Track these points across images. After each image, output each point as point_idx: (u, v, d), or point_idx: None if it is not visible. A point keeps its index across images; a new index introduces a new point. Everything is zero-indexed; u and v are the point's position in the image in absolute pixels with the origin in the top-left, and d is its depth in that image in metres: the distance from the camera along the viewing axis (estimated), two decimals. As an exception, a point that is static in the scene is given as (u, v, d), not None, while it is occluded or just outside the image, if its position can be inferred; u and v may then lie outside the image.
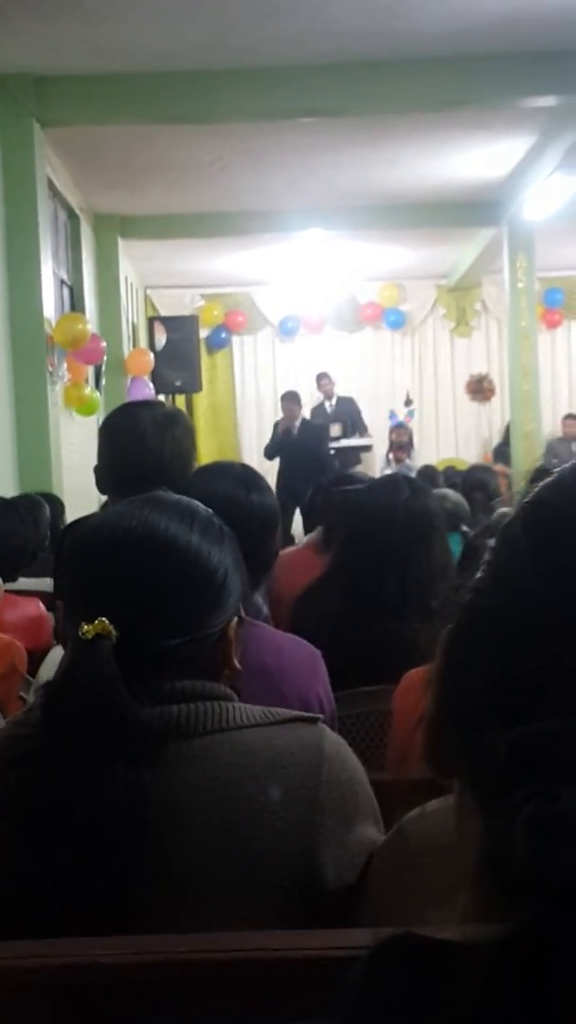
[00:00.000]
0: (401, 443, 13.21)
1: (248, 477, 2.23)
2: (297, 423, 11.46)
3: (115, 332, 10.94)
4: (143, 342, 12.67)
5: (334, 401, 13.10)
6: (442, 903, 0.62)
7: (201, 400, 14.71)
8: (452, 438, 15.55)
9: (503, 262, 11.53)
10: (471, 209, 11.08)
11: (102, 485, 2.80)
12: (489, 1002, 0.51)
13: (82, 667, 1.24)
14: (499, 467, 11.09)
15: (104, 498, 3.04)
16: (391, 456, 13.11)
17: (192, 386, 11.72)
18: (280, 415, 11.69)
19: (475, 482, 6.50)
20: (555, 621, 0.57)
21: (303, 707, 1.83)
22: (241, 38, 6.71)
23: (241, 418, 15.52)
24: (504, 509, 0.68)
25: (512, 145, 9.23)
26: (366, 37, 6.79)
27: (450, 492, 5.55)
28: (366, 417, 13.18)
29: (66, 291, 9.70)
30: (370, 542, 2.61)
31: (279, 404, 15.03)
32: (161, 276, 14.05)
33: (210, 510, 1.44)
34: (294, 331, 15.30)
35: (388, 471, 11.19)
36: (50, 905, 1.21)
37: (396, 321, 15.23)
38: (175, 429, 2.75)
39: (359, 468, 10.56)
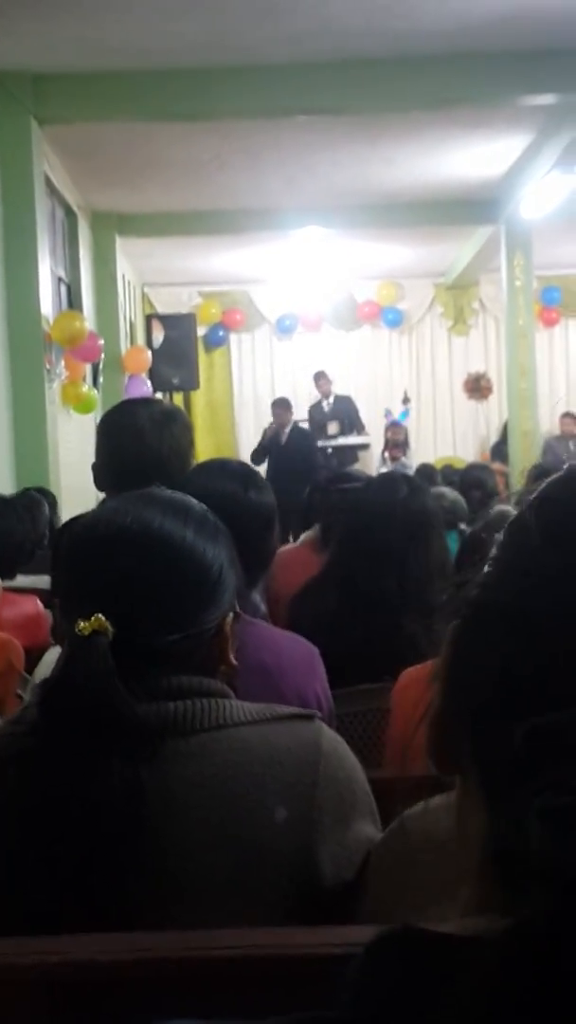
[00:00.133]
0: (397, 441, 13.19)
1: (246, 474, 2.23)
2: (287, 429, 11.48)
3: (112, 330, 10.94)
4: (140, 340, 12.67)
5: (332, 399, 13.10)
6: (443, 899, 0.62)
7: (199, 398, 14.69)
8: (450, 436, 15.55)
9: (501, 260, 11.53)
10: (469, 207, 11.08)
11: (100, 482, 2.80)
12: (499, 994, 0.51)
13: (79, 664, 1.24)
14: (497, 465, 11.08)
15: (102, 495, 3.04)
16: (387, 455, 13.10)
17: (190, 384, 11.71)
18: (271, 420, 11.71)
19: (473, 480, 6.51)
20: (570, 613, 0.57)
21: (301, 705, 1.83)
22: (239, 36, 6.70)
23: (239, 416, 15.52)
24: (502, 507, 0.68)
25: (510, 143, 9.22)
26: (364, 35, 6.79)
27: (448, 490, 5.55)
28: (364, 415, 13.18)
29: (64, 289, 9.69)
30: (368, 540, 2.61)
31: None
32: (159, 274, 14.05)
33: (204, 506, 1.44)
34: (292, 329, 15.29)
35: (384, 470, 11.19)
36: (47, 902, 1.21)
37: (394, 319, 15.24)
38: (173, 426, 2.75)
39: (356, 466, 10.56)
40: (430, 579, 2.53)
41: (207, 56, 7.06)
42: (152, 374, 11.10)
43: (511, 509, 0.67)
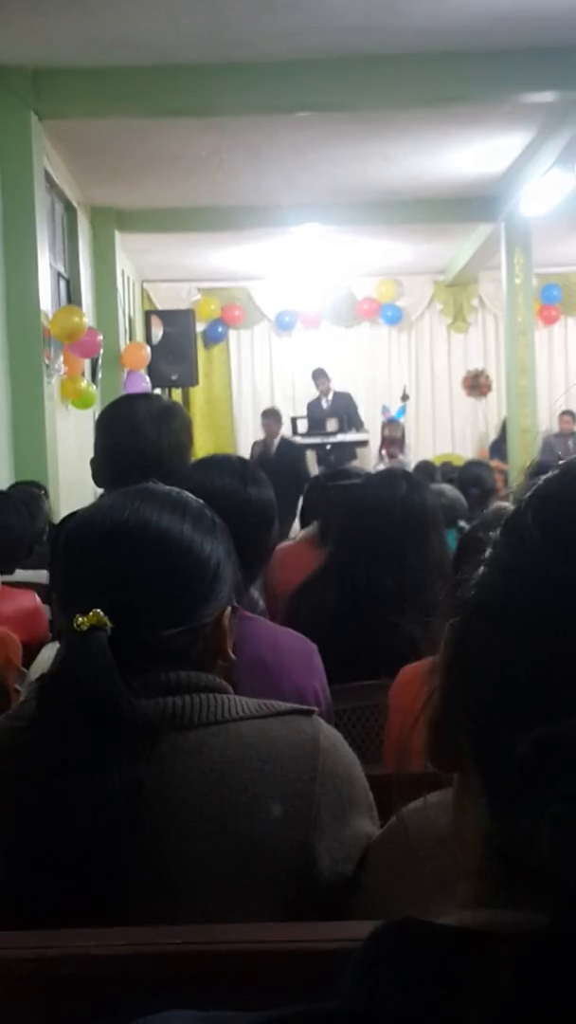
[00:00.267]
0: (394, 439, 13.17)
1: (245, 470, 2.23)
2: (276, 440, 11.49)
3: (111, 325, 10.93)
4: (139, 336, 12.66)
5: (331, 396, 13.10)
6: (441, 895, 0.61)
7: (197, 394, 14.69)
8: (449, 434, 15.56)
9: (500, 258, 11.53)
10: (468, 204, 11.07)
11: (99, 478, 2.79)
12: (524, 991, 0.51)
13: (78, 659, 1.24)
14: (495, 463, 11.08)
15: (100, 491, 3.04)
16: (384, 452, 13.08)
17: (188, 380, 11.71)
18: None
19: (471, 478, 6.50)
20: (570, 613, 0.57)
21: (299, 701, 1.82)
22: (239, 32, 6.70)
23: (237, 412, 15.52)
24: (501, 504, 0.67)
25: (510, 140, 9.22)
26: (364, 32, 6.78)
27: (447, 487, 5.55)
28: (363, 412, 13.17)
29: (63, 284, 9.69)
30: (367, 536, 2.61)
31: (275, 399, 15.09)
32: (158, 270, 14.04)
33: (201, 500, 1.45)
34: (291, 326, 15.29)
35: (380, 467, 11.18)
36: (45, 896, 1.21)
37: (393, 316, 15.23)
38: (172, 422, 2.75)
39: (354, 463, 10.55)
40: (429, 576, 2.53)
41: (207, 52, 7.06)
42: (151, 370, 11.09)
43: (509, 507, 0.66)
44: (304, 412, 13.09)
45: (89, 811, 1.20)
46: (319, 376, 13.28)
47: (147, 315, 12.27)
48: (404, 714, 2.03)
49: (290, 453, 11.45)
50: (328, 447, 12.10)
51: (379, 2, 6.37)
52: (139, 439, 2.67)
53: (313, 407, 13.08)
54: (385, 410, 14.06)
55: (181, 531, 1.36)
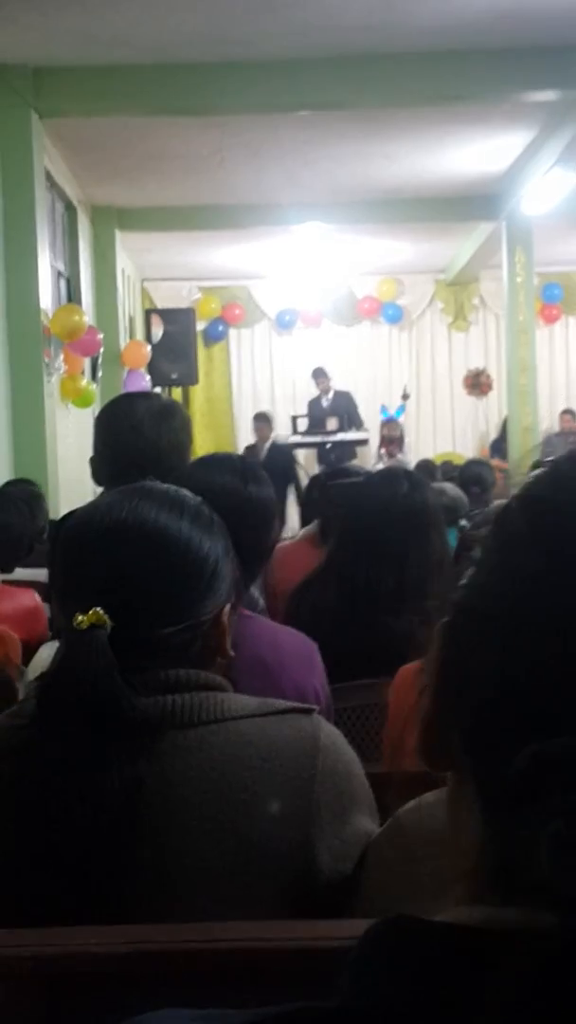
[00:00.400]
0: (392, 438, 13.16)
1: (245, 469, 2.23)
2: (267, 445, 11.49)
3: (112, 324, 10.93)
4: (140, 334, 12.66)
5: (331, 395, 13.10)
6: (440, 893, 0.61)
7: (198, 393, 14.69)
8: (449, 433, 15.55)
9: (501, 257, 11.53)
10: (469, 204, 11.07)
11: (98, 476, 2.79)
12: (515, 988, 0.51)
13: (78, 657, 1.24)
14: (496, 462, 11.08)
15: (100, 489, 3.04)
16: (383, 451, 13.08)
17: (189, 379, 11.71)
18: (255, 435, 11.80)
19: (472, 476, 6.50)
20: (561, 617, 0.56)
21: (300, 700, 1.82)
22: (240, 31, 6.70)
23: (237, 411, 15.51)
24: (501, 502, 0.66)
25: (511, 140, 9.22)
26: (365, 31, 6.78)
27: (448, 486, 5.55)
28: (363, 411, 13.18)
29: (63, 283, 9.69)
30: (368, 535, 2.61)
31: (275, 398, 15.10)
32: (158, 268, 14.04)
33: (199, 498, 1.45)
34: (291, 325, 15.29)
35: (379, 466, 11.18)
36: (45, 895, 1.21)
37: (394, 315, 15.23)
38: (172, 420, 2.75)
39: (354, 462, 10.55)
40: (430, 575, 2.53)
41: (208, 50, 7.06)
42: (151, 369, 11.09)
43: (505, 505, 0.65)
44: (304, 411, 13.10)
45: (89, 809, 1.20)
46: (319, 375, 13.28)
47: (147, 314, 12.27)
48: (402, 713, 2.03)
49: (279, 457, 11.46)
50: (328, 446, 12.10)
51: (380, 1, 6.37)
52: (138, 438, 2.67)
53: (313, 406, 13.09)
54: (384, 410, 14.04)
55: (179, 529, 1.36)
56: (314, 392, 13.40)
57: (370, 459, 12.80)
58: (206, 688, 1.32)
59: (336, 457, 11.32)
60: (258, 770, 1.28)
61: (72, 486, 7.43)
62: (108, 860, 1.21)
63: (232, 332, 15.41)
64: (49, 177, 8.37)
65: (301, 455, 12.87)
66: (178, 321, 11.60)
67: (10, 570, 3.77)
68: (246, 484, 2.16)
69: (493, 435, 14.82)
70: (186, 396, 13.04)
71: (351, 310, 15.22)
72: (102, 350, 9.22)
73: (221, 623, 1.38)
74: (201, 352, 13.70)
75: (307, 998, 0.58)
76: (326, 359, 14.06)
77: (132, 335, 12.59)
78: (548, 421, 13.42)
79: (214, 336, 15.22)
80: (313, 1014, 0.56)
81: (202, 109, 7.68)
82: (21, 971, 1.12)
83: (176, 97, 7.48)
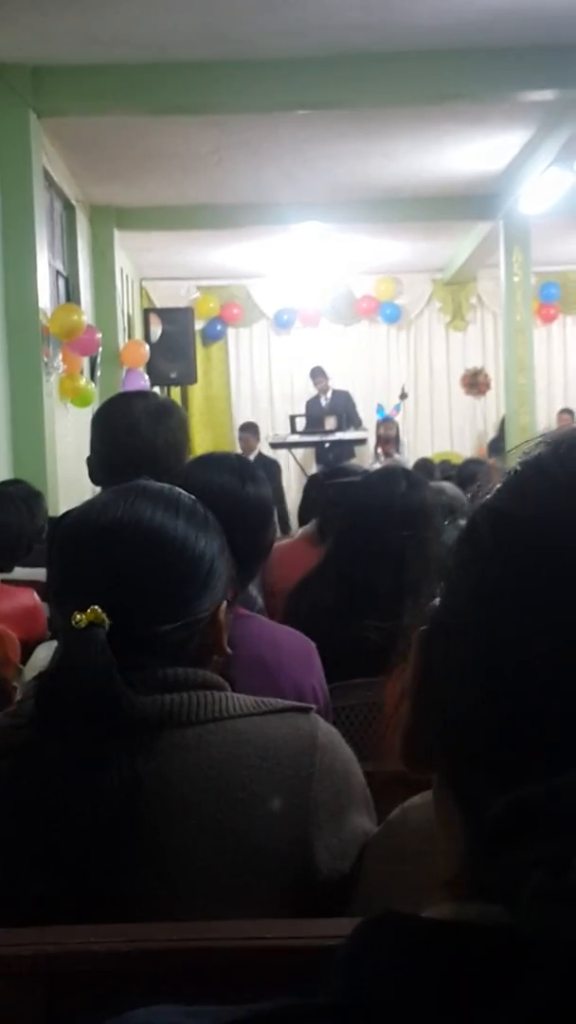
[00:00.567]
0: (388, 437, 13.16)
1: (243, 468, 2.23)
2: (253, 455, 11.49)
3: (110, 323, 10.92)
4: (138, 334, 12.65)
5: (329, 395, 13.10)
6: (436, 891, 0.62)
7: (196, 392, 14.69)
8: (447, 432, 15.55)
9: (499, 256, 11.52)
10: (467, 203, 11.07)
11: (95, 476, 2.79)
12: (504, 982, 0.51)
13: (77, 656, 1.24)
14: (494, 461, 11.08)
15: (98, 489, 3.04)
16: (379, 451, 13.08)
17: (187, 378, 11.71)
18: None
19: (470, 476, 6.51)
20: (532, 639, 0.55)
21: (299, 699, 1.83)
22: (238, 30, 6.70)
23: (236, 410, 15.50)
24: (471, 511, 0.65)
25: (509, 139, 9.22)
26: (363, 29, 6.78)
27: (448, 485, 5.54)
28: (361, 410, 13.19)
29: (62, 282, 9.68)
30: (366, 534, 2.61)
31: (274, 397, 15.10)
32: (157, 268, 14.03)
33: (193, 496, 1.45)
34: (290, 324, 15.28)
35: (376, 466, 11.18)
36: (44, 894, 1.21)
37: (392, 315, 15.22)
38: (168, 420, 2.75)
39: (353, 461, 10.56)
40: (428, 574, 2.53)
41: (206, 49, 7.05)
42: (150, 368, 11.09)
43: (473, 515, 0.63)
44: (303, 410, 13.10)
45: (88, 808, 1.20)
46: (318, 374, 13.28)
47: (146, 313, 12.27)
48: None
49: (265, 467, 11.46)
50: (326, 445, 12.11)
51: (378, 0, 6.37)
52: (135, 437, 2.67)
53: (312, 405, 13.09)
54: (379, 410, 14.04)
55: (175, 527, 1.36)
56: (312, 391, 13.40)
57: (367, 459, 12.80)
58: (204, 687, 1.32)
59: (334, 456, 11.33)
60: (256, 769, 1.28)
61: (71, 485, 7.43)
62: (107, 859, 1.21)
63: (231, 331, 15.40)
64: (48, 176, 8.36)
65: (299, 454, 12.90)
66: (177, 320, 11.59)
67: (9, 569, 3.77)
68: (244, 483, 2.16)
69: (491, 434, 14.82)
70: (185, 395, 13.03)
71: (349, 309, 15.22)
72: (101, 349, 9.22)
73: (218, 620, 1.39)
74: (200, 351, 13.69)
75: (304, 996, 0.58)
76: (324, 358, 14.06)
77: (131, 334, 12.58)
78: (546, 420, 13.40)
79: (212, 335, 15.21)
80: (302, 1010, 0.56)
81: (201, 108, 7.68)
82: (21, 970, 1.12)
83: (174, 96, 7.47)
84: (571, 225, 11.64)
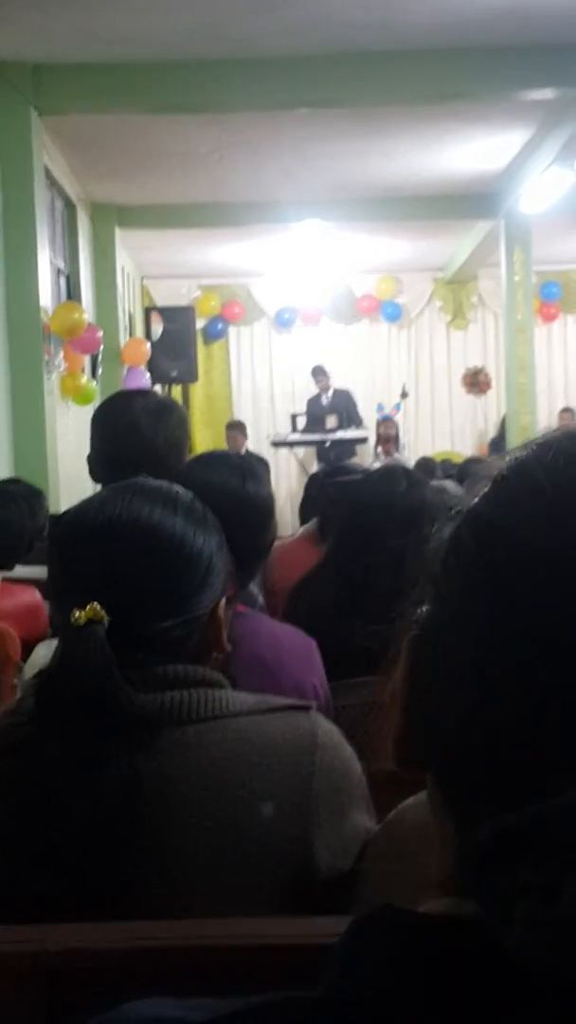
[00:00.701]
0: (388, 436, 13.16)
1: (243, 467, 2.23)
2: (241, 453, 11.51)
3: (111, 322, 10.92)
4: (139, 332, 12.65)
5: (330, 393, 13.10)
6: (435, 889, 0.62)
7: (197, 391, 14.69)
8: (448, 431, 15.54)
9: (500, 255, 11.52)
10: (468, 202, 11.07)
11: (95, 474, 2.79)
12: (497, 977, 0.51)
13: (76, 653, 1.24)
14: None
15: (98, 487, 3.04)
16: (379, 450, 13.08)
17: (188, 376, 11.71)
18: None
19: (471, 475, 6.50)
20: (524, 650, 0.55)
21: (299, 697, 1.83)
22: (239, 28, 6.70)
23: (237, 409, 15.50)
24: (455, 518, 0.65)
25: (509, 138, 9.22)
26: (364, 28, 6.78)
27: (449, 484, 5.54)
28: (362, 409, 13.19)
29: (63, 280, 9.68)
30: (367, 533, 2.61)
31: (275, 395, 15.10)
32: (158, 266, 14.03)
33: (192, 493, 1.45)
34: (290, 322, 15.27)
35: (376, 465, 11.17)
36: (45, 891, 1.21)
37: (392, 314, 15.22)
38: (168, 418, 2.75)
39: (353, 460, 10.55)
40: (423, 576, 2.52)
41: (207, 48, 7.05)
42: (151, 366, 11.09)
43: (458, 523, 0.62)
44: (303, 409, 13.10)
45: (88, 806, 1.21)
46: (318, 373, 13.28)
47: (147, 311, 12.26)
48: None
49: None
50: (327, 444, 12.11)
51: (379, -1, 6.38)
52: (135, 436, 2.67)
53: (312, 404, 13.09)
54: (379, 408, 14.03)
55: (174, 524, 1.37)
56: (313, 390, 13.40)
57: (367, 458, 12.80)
58: (204, 684, 1.32)
59: (335, 455, 11.33)
60: (256, 767, 1.28)
61: (72, 483, 7.43)
62: (107, 857, 1.21)
63: (231, 330, 15.39)
64: (49, 174, 8.36)
65: (300, 453, 12.90)
66: (178, 319, 11.60)
67: (10, 567, 3.77)
68: (244, 482, 2.17)
69: (492, 433, 14.82)
70: (186, 394, 13.05)
71: (350, 308, 15.21)
72: (102, 348, 9.21)
73: (217, 617, 1.39)
74: (200, 350, 13.69)
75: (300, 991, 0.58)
76: (325, 357, 14.05)
77: (132, 333, 12.58)
78: (547, 419, 13.39)
79: (213, 334, 15.21)
80: (298, 1004, 0.56)
81: (201, 106, 7.68)
82: (22, 968, 1.13)
83: (175, 94, 7.47)
84: (572, 224, 11.64)
